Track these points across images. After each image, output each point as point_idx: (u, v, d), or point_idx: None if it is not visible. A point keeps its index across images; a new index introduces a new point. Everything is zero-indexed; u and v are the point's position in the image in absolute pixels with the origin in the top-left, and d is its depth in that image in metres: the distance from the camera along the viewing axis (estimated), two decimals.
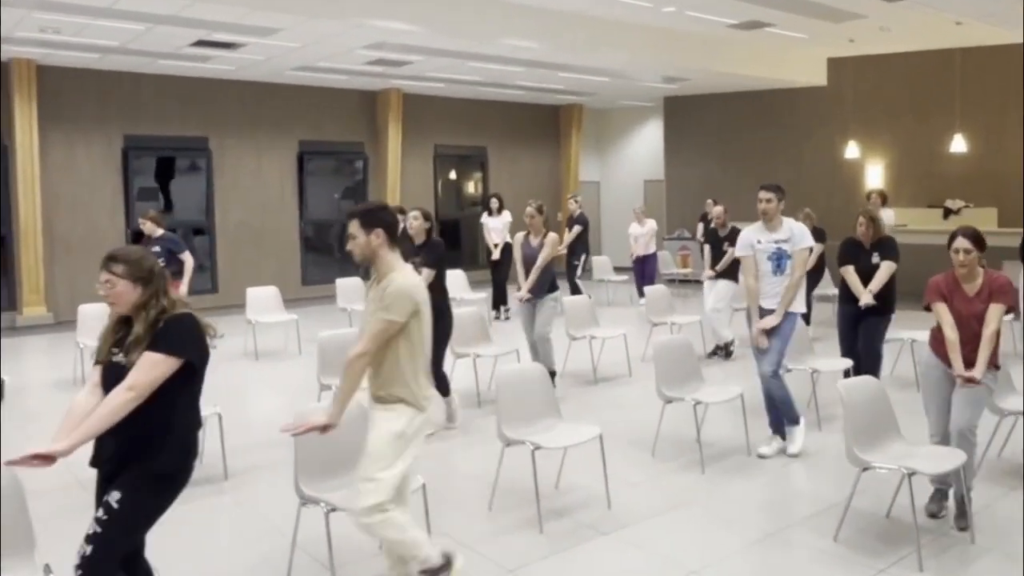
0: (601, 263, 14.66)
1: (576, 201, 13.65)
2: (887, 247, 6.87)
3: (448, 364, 6.90)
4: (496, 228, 12.91)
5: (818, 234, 10.02)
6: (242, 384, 8.91)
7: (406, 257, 5.77)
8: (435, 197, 17.45)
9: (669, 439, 6.17)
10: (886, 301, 6.79)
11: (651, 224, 13.84)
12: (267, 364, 9.72)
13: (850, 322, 6.89)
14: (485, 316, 8.62)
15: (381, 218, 3.65)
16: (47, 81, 12.68)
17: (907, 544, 4.33)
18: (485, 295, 12.16)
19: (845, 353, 6.99)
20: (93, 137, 13.37)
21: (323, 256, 16.32)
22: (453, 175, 18.31)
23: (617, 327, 9.22)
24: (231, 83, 14.46)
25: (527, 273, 7.76)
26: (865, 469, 4.43)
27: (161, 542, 4.63)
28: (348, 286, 11.25)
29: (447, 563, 3.67)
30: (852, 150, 15.28)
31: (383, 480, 3.50)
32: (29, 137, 12.50)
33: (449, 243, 13.49)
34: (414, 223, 6.66)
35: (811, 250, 6.10)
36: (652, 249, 13.77)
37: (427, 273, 6.37)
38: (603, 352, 9.06)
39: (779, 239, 5.96)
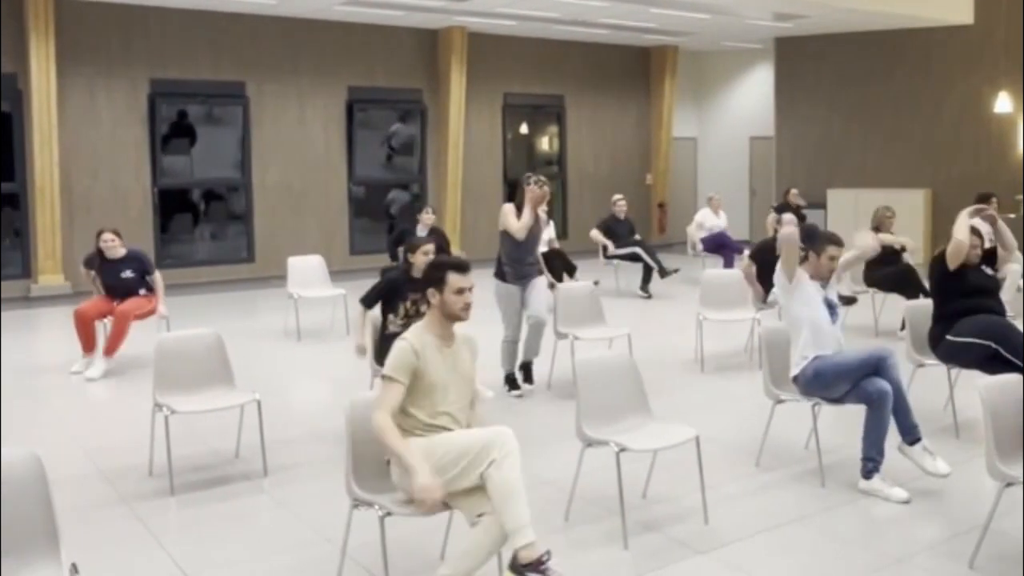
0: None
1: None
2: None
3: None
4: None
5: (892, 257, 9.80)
6: (283, 368, 9.06)
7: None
8: (503, 154, 17.50)
9: (778, 445, 6.11)
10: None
11: (724, 218, 13.99)
12: (311, 345, 9.87)
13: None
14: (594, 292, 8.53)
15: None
16: (65, 15, 12.96)
17: None
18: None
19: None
20: (116, 82, 13.69)
21: (375, 222, 16.51)
22: (524, 129, 18.34)
23: (730, 310, 8.98)
24: (271, 20, 14.65)
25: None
26: (1009, 485, 4.35)
27: (191, 545, 4.80)
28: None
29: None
30: (1004, 103, 14.86)
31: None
32: (47, 80, 12.72)
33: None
34: None
35: None
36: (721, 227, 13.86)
37: None
38: (711, 336, 8.94)
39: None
